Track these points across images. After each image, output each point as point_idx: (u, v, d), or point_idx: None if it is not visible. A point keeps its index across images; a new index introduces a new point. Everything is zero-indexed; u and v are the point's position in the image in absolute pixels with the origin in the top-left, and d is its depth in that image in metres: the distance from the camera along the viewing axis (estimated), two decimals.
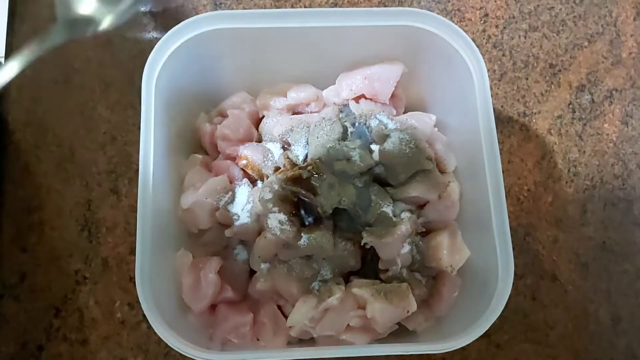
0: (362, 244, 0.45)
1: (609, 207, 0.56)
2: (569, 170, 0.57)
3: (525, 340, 0.52)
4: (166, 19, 0.58)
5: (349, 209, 0.45)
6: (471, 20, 0.61)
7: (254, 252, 0.46)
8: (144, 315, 0.38)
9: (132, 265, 0.39)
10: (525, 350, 0.52)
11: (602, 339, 0.53)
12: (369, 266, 0.48)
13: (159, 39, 0.43)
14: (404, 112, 0.51)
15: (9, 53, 0.56)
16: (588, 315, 0.53)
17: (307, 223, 0.44)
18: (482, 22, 0.61)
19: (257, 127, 0.51)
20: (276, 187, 0.44)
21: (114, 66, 0.57)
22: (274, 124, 0.49)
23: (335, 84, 0.50)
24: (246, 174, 0.48)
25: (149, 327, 0.38)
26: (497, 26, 0.61)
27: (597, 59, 0.60)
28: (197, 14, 0.44)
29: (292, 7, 0.60)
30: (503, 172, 0.42)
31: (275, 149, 0.48)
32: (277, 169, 0.47)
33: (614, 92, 0.59)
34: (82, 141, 0.55)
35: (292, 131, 0.48)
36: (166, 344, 0.38)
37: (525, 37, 0.60)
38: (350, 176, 0.45)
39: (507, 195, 0.54)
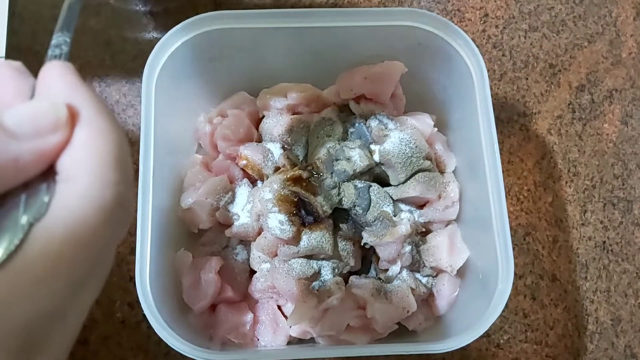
0: (362, 244, 0.45)
1: (609, 207, 0.56)
2: (568, 170, 0.57)
3: (525, 340, 0.52)
4: (166, 19, 0.58)
5: (349, 209, 0.45)
6: (471, 20, 0.61)
7: (254, 252, 0.46)
8: (144, 315, 0.38)
9: (132, 265, 0.39)
10: (525, 350, 0.52)
11: (602, 339, 0.53)
12: (368, 266, 0.48)
13: (159, 39, 0.43)
14: (404, 112, 0.51)
15: (9, 53, 0.56)
16: (588, 315, 0.53)
17: (307, 223, 0.44)
18: (482, 22, 0.61)
19: (257, 127, 0.51)
20: (276, 187, 0.44)
21: (114, 66, 0.57)
22: (274, 124, 0.49)
23: (335, 84, 0.50)
24: (246, 174, 0.49)
25: (149, 327, 0.38)
26: (497, 26, 0.61)
27: (597, 59, 0.60)
28: (197, 14, 0.44)
29: (292, 7, 0.60)
30: (503, 172, 0.42)
31: (275, 149, 0.48)
32: (277, 169, 0.47)
33: (613, 92, 0.60)
34: None
35: (292, 131, 0.48)
36: (166, 344, 0.38)
37: (525, 37, 0.60)
38: (350, 176, 0.45)
39: (507, 195, 0.54)
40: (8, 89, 0.22)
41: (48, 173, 0.20)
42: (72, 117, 0.20)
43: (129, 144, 0.22)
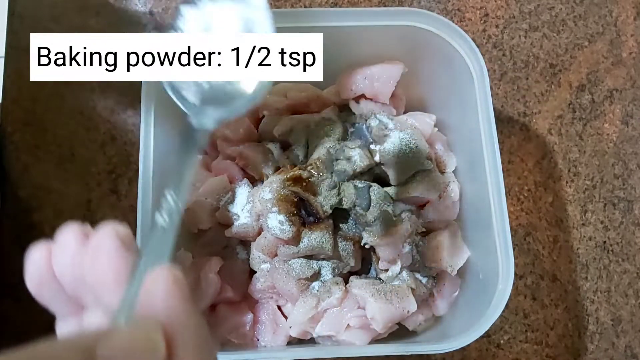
0: (362, 244, 0.45)
1: (609, 207, 0.56)
2: (569, 170, 0.57)
3: (526, 341, 0.52)
4: (166, 19, 0.58)
5: (349, 209, 0.45)
6: (471, 20, 0.61)
7: (254, 252, 0.46)
8: None
9: None
10: (525, 350, 0.52)
11: (602, 339, 0.53)
12: (368, 266, 0.48)
13: None
14: (404, 112, 0.51)
15: (9, 53, 0.56)
16: (588, 316, 0.53)
17: (307, 223, 0.44)
18: (482, 21, 0.61)
19: (257, 127, 0.51)
20: (276, 187, 0.44)
21: None
22: (274, 124, 0.49)
23: (335, 84, 0.50)
24: (246, 174, 0.48)
25: None
26: (497, 26, 0.61)
27: (597, 59, 0.60)
28: None
29: (292, 7, 0.60)
30: (503, 172, 0.42)
31: (275, 149, 0.48)
32: (277, 169, 0.47)
33: (614, 92, 0.59)
34: (82, 141, 0.55)
35: (292, 131, 0.48)
36: None
37: (525, 37, 0.60)
38: (350, 176, 0.45)
39: (507, 195, 0.54)
40: (110, 269, 0.22)
41: None
42: (168, 347, 0.20)
43: None
